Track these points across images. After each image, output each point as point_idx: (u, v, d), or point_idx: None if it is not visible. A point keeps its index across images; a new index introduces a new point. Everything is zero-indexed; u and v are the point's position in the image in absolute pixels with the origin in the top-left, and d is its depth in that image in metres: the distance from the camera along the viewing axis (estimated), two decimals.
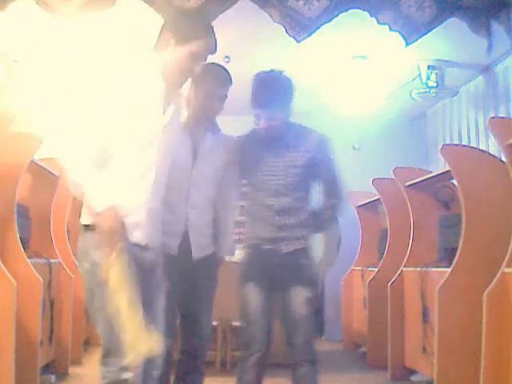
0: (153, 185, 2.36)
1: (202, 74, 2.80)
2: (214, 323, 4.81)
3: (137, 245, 2.31)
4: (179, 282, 2.79)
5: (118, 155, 2.32)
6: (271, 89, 2.86)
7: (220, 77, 2.92)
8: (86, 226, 2.28)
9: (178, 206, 2.80)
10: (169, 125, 2.41)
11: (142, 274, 2.29)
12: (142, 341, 2.10)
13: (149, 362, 2.28)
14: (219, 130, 3.00)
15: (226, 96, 2.92)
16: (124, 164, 2.32)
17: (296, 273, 2.88)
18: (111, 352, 2.18)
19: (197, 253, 2.85)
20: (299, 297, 2.86)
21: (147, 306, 2.30)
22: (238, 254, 3.02)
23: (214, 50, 2.42)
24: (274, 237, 2.87)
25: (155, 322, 2.34)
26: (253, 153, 2.95)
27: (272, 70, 2.92)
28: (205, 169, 2.87)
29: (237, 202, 3.03)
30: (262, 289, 2.86)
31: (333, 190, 3.03)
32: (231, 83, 2.94)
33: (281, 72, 2.92)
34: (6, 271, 3.54)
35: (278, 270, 2.86)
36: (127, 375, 2.15)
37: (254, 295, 2.86)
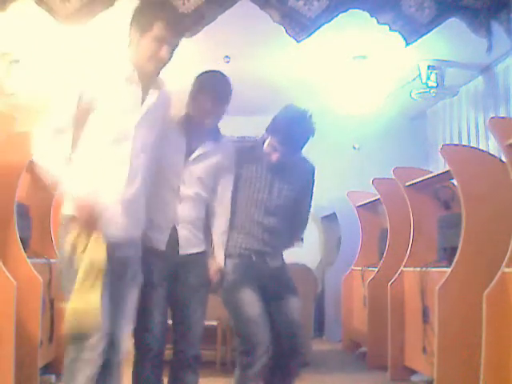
0: (127, 177, 2.41)
1: (201, 85, 2.81)
2: (214, 323, 4.81)
3: (110, 238, 2.36)
4: (168, 279, 2.79)
5: (90, 147, 2.40)
6: (303, 135, 2.93)
7: (218, 95, 2.81)
8: (64, 216, 2.38)
9: (168, 202, 2.79)
10: (145, 116, 2.46)
11: (114, 269, 2.37)
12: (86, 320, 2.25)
13: (112, 347, 2.39)
14: (220, 136, 2.95)
15: (223, 112, 2.85)
16: (96, 156, 2.39)
17: (287, 284, 3.05)
18: (75, 334, 2.30)
19: (184, 248, 2.82)
20: (296, 306, 3.01)
21: (117, 300, 2.42)
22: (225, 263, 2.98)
23: (178, 33, 2.47)
24: (261, 250, 2.98)
25: (124, 317, 2.45)
26: (252, 169, 2.99)
27: (306, 111, 2.94)
28: (197, 171, 2.83)
29: (229, 207, 2.99)
30: (258, 294, 2.92)
31: (299, 220, 3.18)
32: (230, 99, 2.85)
33: (311, 115, 2.95)
34: (5, 271, 3.55)
35: (270, 281, 2.98)
36: (86, 355, 2.29)
37: (253, 298, 2.90)
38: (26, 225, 4.29)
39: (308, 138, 2.95)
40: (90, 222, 2.28)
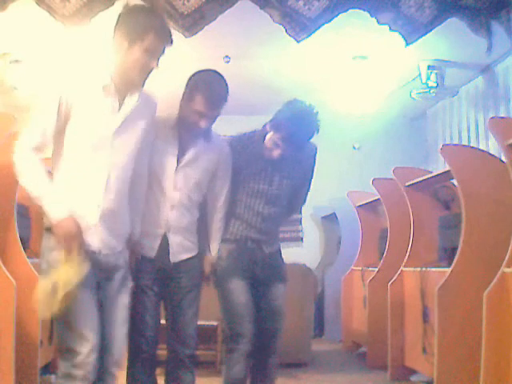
0: (106, 185, 2.37)
1: (195, 86, 2.70)
2: (214, 323, 4.81)
3: (91, 247, 2.36)
4: (159, 282, 2.78)
5: (67, 156, 2.37)
6: (307, 133, 2.90)
7: (213, 98, 2.66)
8: (47, 228, 2.34)
9: (159, 207, 2.74)
10: (124, 123, 2.40)
11: (100, 277, 2.38)
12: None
13: (106, 359, 2.38)
14: (213, 136, 2.86)
15: (218, 114, 2.74)
16: (73, 166, 2.36)
17: (277, 271, 3.07)
18: (64, 349, 2.29)
19: (175, 254, 2.79)
20: (280, 293, 3.04)
21: (106, 308, 2.41)
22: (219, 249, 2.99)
23: (169, 42, 2.40)
24: (258, 238, 2.99)
25: (116, 325, 2.44)
26: (253, 161, 2.96)
27: (312, 108, 2.90)
28: (190, 174, 2.78)
29: (226, 203, 2.97)
30: (247, 283, 2.96)
31: (297, 202, 3.17)
32: (226, 100, 2.73)
33: (317, 112, 2.91)
34: (5, 271, 3.55)
35: (262, 267, 3.00)
36: (78, 372, 2.26)
37: (241, 289, 2.94)
38: (26, 225, 4.28)
39: (312, 136, 2.91)
40: (70, 245, 2.25)
